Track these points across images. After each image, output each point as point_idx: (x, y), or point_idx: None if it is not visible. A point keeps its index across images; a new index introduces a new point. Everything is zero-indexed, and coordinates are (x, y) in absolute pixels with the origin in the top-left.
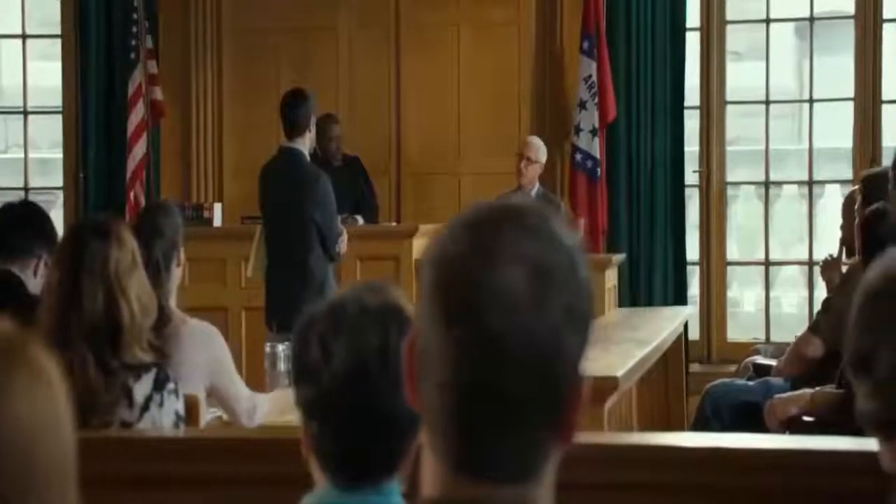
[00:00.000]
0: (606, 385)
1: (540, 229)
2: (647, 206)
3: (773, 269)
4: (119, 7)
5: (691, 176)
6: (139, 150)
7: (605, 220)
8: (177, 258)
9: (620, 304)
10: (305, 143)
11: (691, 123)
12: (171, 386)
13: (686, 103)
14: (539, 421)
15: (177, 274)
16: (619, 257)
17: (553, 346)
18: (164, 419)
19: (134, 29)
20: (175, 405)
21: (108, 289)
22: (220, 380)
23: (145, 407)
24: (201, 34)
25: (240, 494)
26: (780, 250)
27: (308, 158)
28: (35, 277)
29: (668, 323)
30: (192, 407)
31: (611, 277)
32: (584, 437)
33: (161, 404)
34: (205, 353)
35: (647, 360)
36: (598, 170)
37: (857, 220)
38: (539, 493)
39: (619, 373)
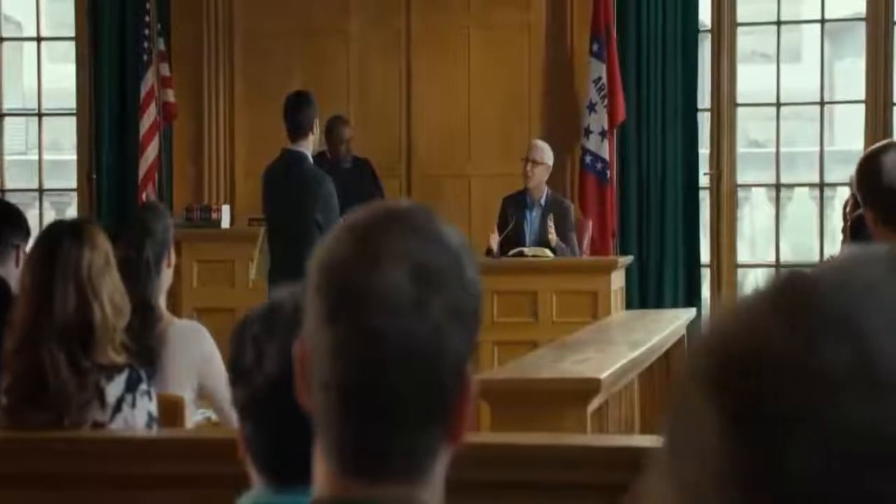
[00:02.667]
0: (589, 387)
1: (424, 230)
2: (657, 208)
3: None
4: (132, 10)
5: (702, 178)
6: (151, 152)
7: (615, 222)
8: (167, 259)
9: (629, 306)
10: (309, 146)
11: (701, 125)
12: (143, 387)
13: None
14: (425, 420)
15: (167, 275)
16: (625, 259)
17: (435, 346)
18: (136, 420)
19: (146, 31)
20: (148, 406)
21: (81, 289)
22: (209, 379)
23: (117, 407)
24: (213, 37)
25: (211, 494)
26: (791, 252)
27: (311, 161)
28: (17, 267)
29: (667, 325)
30: (177, 408)
31: (617, 279)
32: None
33: (133, 405)
34: (193, 352)
35: (639, 362)
36: (608, 172)
37: (844, 224)
38: (427, 492)
39: (603, 375)
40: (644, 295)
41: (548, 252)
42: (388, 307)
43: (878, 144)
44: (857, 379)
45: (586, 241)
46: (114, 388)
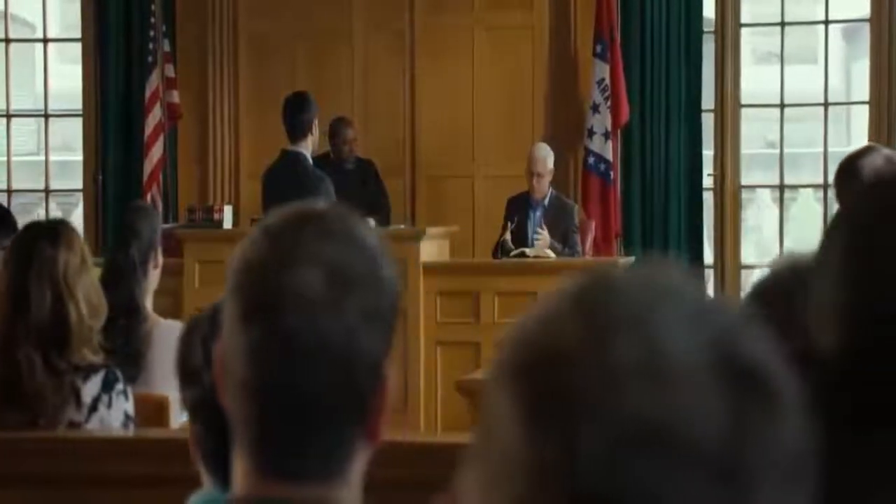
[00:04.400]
0: None
1: (339, 231)
2: (661, 209)
3: None
4: (137, 11)
5: (705, 179)
6: (156, 153)
7: (618, 224)
8: (154, 260)
9: None
10: (308, 146)
11: (705, 126)
12: (119, 386)
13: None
14: (341, 420)
15: (154, 276)
16: (626, 260)
17: (350, 347)
18: (112, 419)
19: (151, 33)
20: (124, 405)
21: (57, 290)
22: None
23: (93, 407)
24: (218, 38)
25: (188, 494)
26: None
27: (310, 161)
28: None
29: None
30: (162, 408)
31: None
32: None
33: (109, 405)
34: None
35: None
36: (611, 173)
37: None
38: (344, 491)
39: None
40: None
41: (549, 253)
42: (302, 308)
43: (857, 149)
44: (645, 377)
45: (589, 242)
46: (90, 388)
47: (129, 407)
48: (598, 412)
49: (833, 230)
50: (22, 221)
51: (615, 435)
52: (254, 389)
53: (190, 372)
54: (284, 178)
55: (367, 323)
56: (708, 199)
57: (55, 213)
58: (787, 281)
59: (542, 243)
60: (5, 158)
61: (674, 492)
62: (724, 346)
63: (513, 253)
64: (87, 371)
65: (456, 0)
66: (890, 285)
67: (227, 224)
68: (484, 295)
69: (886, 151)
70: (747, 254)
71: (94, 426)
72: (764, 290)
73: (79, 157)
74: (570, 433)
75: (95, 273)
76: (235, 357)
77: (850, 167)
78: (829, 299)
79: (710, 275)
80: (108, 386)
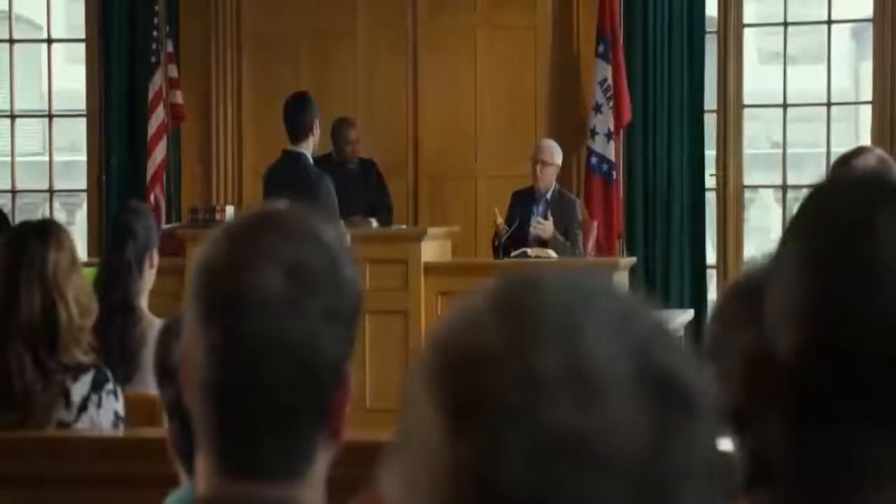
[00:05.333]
0: None
1: (299, 231)
2: (663, 209)
3: None
4: (141, 11)
5: (708, 179)
6: (159, 153)
7: (621, 224)
8: (149, 260)
9: None
10: (309, 147)
11: (708, 126)
12: (109, 386)
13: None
14: (302, 420)
15: (150, 276)
16: (628, 260)
17: (310, 347)
18: (102, 419)
19: (155, 33)
20: (114, 405)
21: (46, 290)
22: None
23: (83, 407)
24: (221, 38)
25: None
26: None
27: (311, 161)
28: None
29: None
30: (155, 407)
31: (620, 281)
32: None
33: (99, 404)
34: None
35: None
36: (614, 173)
37: None
38: (306, 491)
39: None
40: (650, 296)
41: (551, 253)
42: (262, 308)
43: (850, 149)
44: (567, 383)
45: (591, 243)
46: (79, 388)
47: (119, 407)
48: (519, 419)
49: (790, 231)
50: None
51: (536, 443)
52: (214, 389)
53: (167, 372)
54: (284, 178)
55: (328, 323)
56: (711, 199)
57: (59, 213)
58: (762, 280)
59: (542, 231)
60: (10, 159)
61: (593, 501)
62: (646, 357)
63: (514, 253)
64: (77, 371)
65: (458, 0)
66: (846, 286)
67: None
68: None
69: (879, 152)
70: (750, 254)
71: (83, 426)
72: (738, 289)
73: (84, 157)
74: (491, 439)
75: (90, 273)
76: (197, 357)
77: (843, 168)
78: (786, 301)
79: (712, 275)
80: (97, 386)
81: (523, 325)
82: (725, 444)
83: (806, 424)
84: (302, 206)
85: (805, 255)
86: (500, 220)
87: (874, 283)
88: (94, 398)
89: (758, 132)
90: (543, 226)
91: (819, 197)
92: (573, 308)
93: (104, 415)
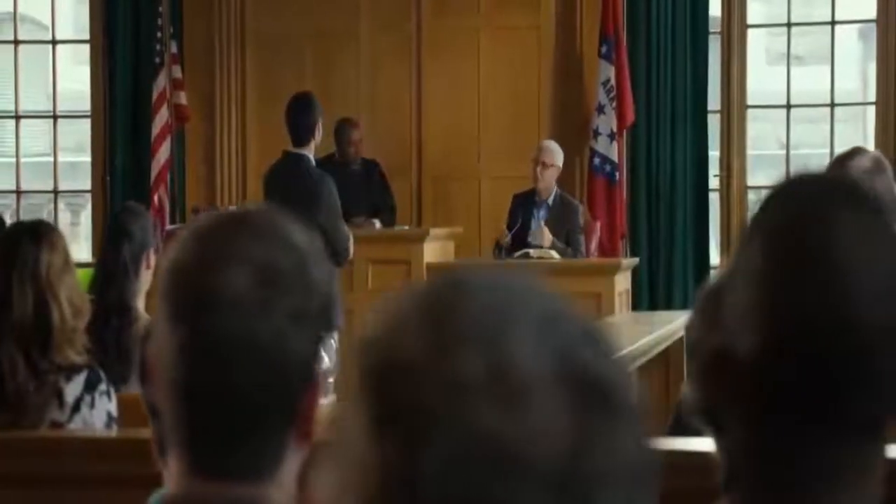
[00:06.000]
0: None
1: (269, 232)
2: (667, 210)
3: None
4: (145, 12)
5: (712, 180)
6: (163, 154)
7: (624, 225)
8: (146, 261)
9: (639, 309)
10: (311, 149)
11: (711, 127)
12: (102, 387)
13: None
14: (270, 421)
15: (146, 276)
16: (631, 261)
17: (278, 347)
18: (95, 419)
19: (159, 34)
20: (107, 405)
21: (39, 291)
22: None
23: (76, 407)
24: (225, 39)
25: None
26: None
27: (313, 163)
28: None
29: (658, 328)
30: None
31: (622, 281)
32: None
33: (92, 405)
34: None
35: None
36: (617, 174)
37: None
38: (275, 491)
39: None
40: (654, 297)
41: (554, 254)
42: (230, 309)
43: (845, 151)
44: (489, 388)
45: (594, 244)
46: (72, 389)
47: (112, 407)
48: (441, 425)
49: (749, 231)
50: None
51: (458, 448)
52: (182, 389)
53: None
54: (285, 179)
55: (296, 324)
56: (714, 200)
57: (64, 213)
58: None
59: (541, 242)
60: (15, 159)
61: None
62: (569, 359)
63: (517, 254)
64: (70, 371)
65: (462, 1)
66: (803, 286)
67: None
68: None
69: (874, 153)
70: None
71: (76, 426)
72: (712, 289)
73: (88, 158)
74: (414, 445)
75: (86, 274)
76: (166, 358)
77: (838, 169)
78: (745, 301)
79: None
80: (90, 386)
81: (446, 328)
82: (706, 444)
83: (764, 424)
84: (299, 208)
85: (763, 256)
86: (508, 240)
87: (830, 283)
88: (87, 399)
89: (763, 133)
90: (542, 236)
91: (777, 197)
92: (497, 310)
93: (97, 415)
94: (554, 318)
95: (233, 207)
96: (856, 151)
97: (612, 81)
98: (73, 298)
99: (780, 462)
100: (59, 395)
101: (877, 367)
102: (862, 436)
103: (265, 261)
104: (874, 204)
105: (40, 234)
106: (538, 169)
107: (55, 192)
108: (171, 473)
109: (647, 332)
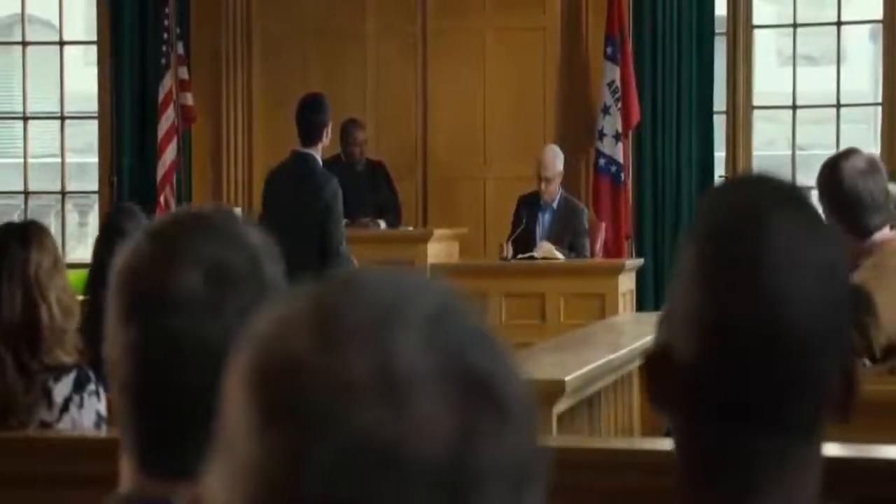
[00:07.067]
0: (554, 389)
1: (221, 231)
2: (672, 210)
3: None
4: (152, 14)
5: (717, 181)
6: (169, 155)
7: (629, 225)
8: None
9: (644, 309)
10: (319, 150)
11: (717, 128)
12: (91, 387)
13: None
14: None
15: None
16: (635, 262)
17: (229, 346)
18: (84, 419)
19: (165, 35)
20: (96, 406)
21: (28, 291)
22: None
23: (64, 408)
24: (231, 40)
25: None
26: None
27: (320, 163)
28: None
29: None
30: None
31: (626, 282)
32: None
33: (81, 405)
34: None
35: (616, 365)
36: (622, 174)
37: None
38: None
39: (568, 377)
40: (659, 297)
41: (558, 254)
42: (180, 308)
43: (838, 151)
44: (374, 387)
45: (599, 244)
46: (61, 389)
47: (102, 407)
48: (326, 425)
49: (687, 233)
50: None
51: (342, 448)
52: (134, 389)
53: None
54: (289, 179)
55: (247, 323)
56: None
57: (72, 214)
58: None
59: (544, 255)
60: (23, 160)
61: (400, 503)
62: (456, 357)
63: (521, 256)
64: (59, 371)
65: (467, 3)
66: (735, 288)
67: None
68: (492, 297)
69: (868, 154)
70: None
71: (65, 426)
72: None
73: (96, 159)
74: (298, 443)
75: (80, 276)
76: (118, 357)
77: (832, 170)
78: (681, 303)
79: None
80: (79, 386)
81: (333, 326)
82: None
83: (703, 425)
84: (301, 206)
85: (697, 259)
86: (505, 252)
87: (761, 287)
88: (76, 398)
89: (769, 134)
90: (543, 250)
91: (712, 198)
92: (385, 308)
93: (86, 415)
94: (442, 317)
95: (237, 208)
96: (850, 152)
97: (618, 82)
98: (62, 299)
99: (719, 463)
100: (48, 396)
101: (809, 368)
102: (798, 436)
103: (216, 260)
104: (811, 206)
105: (29, 234)
106: (542, 185)
107: (63, 192)
108: (124, 472)
109: (650, 333)
